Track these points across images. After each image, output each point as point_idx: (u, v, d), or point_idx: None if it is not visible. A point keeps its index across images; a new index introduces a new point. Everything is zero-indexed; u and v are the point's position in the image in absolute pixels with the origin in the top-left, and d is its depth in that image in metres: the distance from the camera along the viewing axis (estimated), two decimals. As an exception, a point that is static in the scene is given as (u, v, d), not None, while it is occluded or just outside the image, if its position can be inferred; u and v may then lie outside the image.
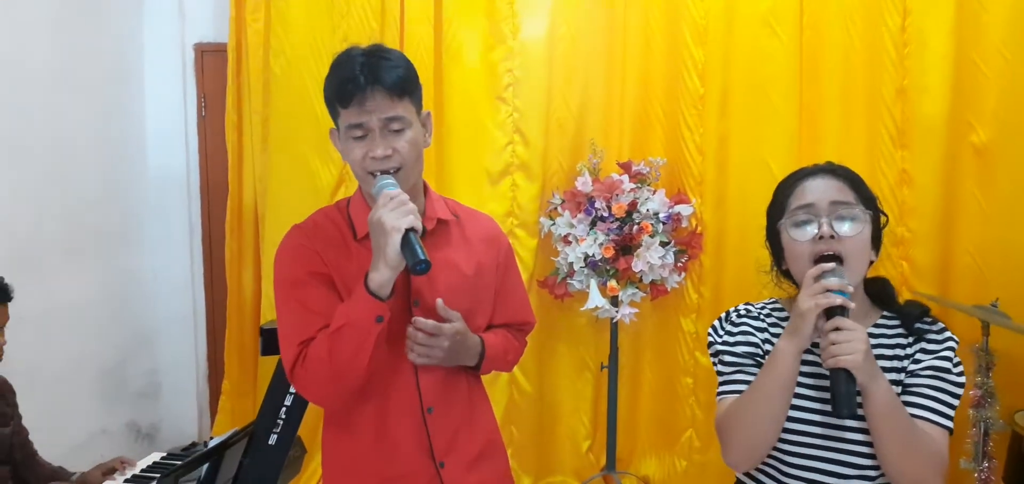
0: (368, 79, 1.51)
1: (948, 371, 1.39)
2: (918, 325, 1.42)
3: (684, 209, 3.24)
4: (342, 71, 1.54)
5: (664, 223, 3.20)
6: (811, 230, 1.40)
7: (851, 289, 1.33)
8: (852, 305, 1.32)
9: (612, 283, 3.20)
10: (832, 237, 1.37)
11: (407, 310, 1.60)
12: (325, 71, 3.45)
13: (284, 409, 1.98)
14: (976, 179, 3.08)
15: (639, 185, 3.23)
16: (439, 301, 1.59)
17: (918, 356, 1.41)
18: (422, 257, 1.40)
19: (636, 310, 3.23)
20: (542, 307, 3.43)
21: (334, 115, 1.60)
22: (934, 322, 1.44)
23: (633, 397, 3.52)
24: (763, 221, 3.09)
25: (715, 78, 3.29)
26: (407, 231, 1.42)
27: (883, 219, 1.48)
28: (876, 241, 1.45)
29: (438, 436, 1.62)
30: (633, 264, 3.15)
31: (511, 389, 3.48)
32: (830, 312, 1.32)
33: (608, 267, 3.21)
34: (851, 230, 1.38)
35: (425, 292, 1.62)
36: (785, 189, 1.49)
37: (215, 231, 3.88)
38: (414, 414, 1.60)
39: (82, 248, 3.45)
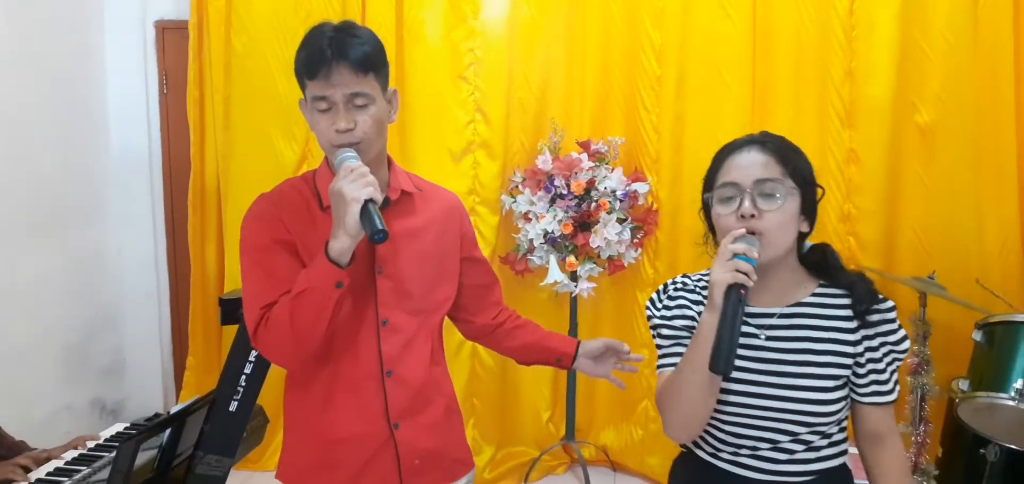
0: (335, 54, 1.55)
1: (900, 344, 1.45)
2: (869, 315, 1.44)
3: (640, 187, 3.33)
4: (311, 44, 1.58)
5: (621, 200, 3.28)
6: (735, 206, 1.42)
7: (756, 255, 1.36)
8: (751, 282, 1.35)
9: (571, 259, 3.28)
10: (753, 215, 1.39)
11: (371, 277, 1.66)
12: (287, 49, 3.50)
13: (244, 376, 2.03)
14: (920, 158, 3.19)
15: (597, 163, 3.31)
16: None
17: (876, 342, 1.44)
18: (380, 227, 1.45)
19: (594, 285, 3.31)
20: (504, 283, 3.43)
21: (302, 86, 1.64)
22: (882, 300, 1.45)
23: (592, 370, 3.60)
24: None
25: (672, 60, 3.37)
26: (366, 202, 1.47)
27: (819, 191, 1.49)
28: (809, 212, 1.46)
29: (395, 399, 1.67)
30: (591, 240, 3.23)
31: (473, 361, 3.56)
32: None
33: (567, 243, 3.28)
34: (772, 205, 1.40)
35: (389, 260, 1.67)
36: (716, 162, 1.51)
37: (178, 208, 3.89)
38: (374, 377, 1.66)
39: (45, 225, 3.45)
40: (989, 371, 2.47)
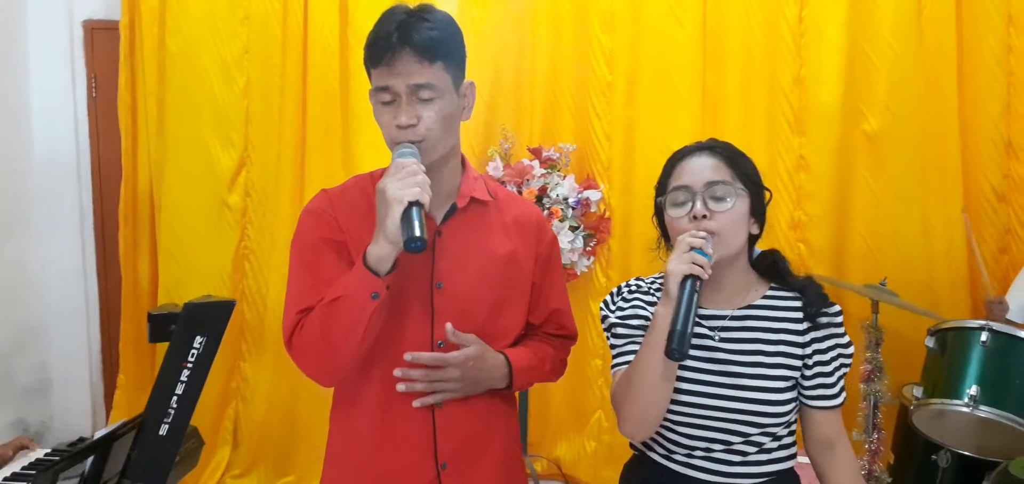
0: (400, 38, 1.40)
1: (847, 349, 1.49)
2: (818, 317, 1.47)
3: (593, 194, 3.28)
4: (379, 27, 1.44)
5: (574, 208, 3.22)
6: (687, 209, 1.44)
7: (711, 250, 1.39)
8: (706, 274, 1.36)
9: (522, 268, 3.20)
10: (705, 216, 1.42)
11: (428, 291, 1.49)
12: (224, 50, 3.31)
13: (175, 397, 1.89)
14: (868, 165, 3.22)
15: (549, 171, 3.24)
16: (449, 326, 1.47)
17: (824, 344, 1.47)
18: (418, 234, 1.30)
19: (546, 294, 3.24)
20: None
21: (369, 75, 1.49)
22: (829, 304, 1.49)
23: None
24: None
25: (622, 65, 3.33)
26: (410, 204, 1.32)
27: (767, 194, 1.52)
28: (759, 214, 1.50)
29: (446, 435, 1.50)
30: (543, 248, 3.16)
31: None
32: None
33: (518, 252, 3.20)
34: (723, 207, 1.43)
35: (450, 274, 1.50)
36: (667, 168, 1.53)
37: (108, 218, 3.69)
38: (422, 407, 1.49)
39: (-40, 236, 3.23)
40: (941, 377, 2.47)
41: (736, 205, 1.44)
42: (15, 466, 2.27)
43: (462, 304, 1.50)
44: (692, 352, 1.43)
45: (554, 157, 3.28)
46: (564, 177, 3.25)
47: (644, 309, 1.53)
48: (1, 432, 3.47)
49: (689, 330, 1.33)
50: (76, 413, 3.80)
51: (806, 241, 3.25)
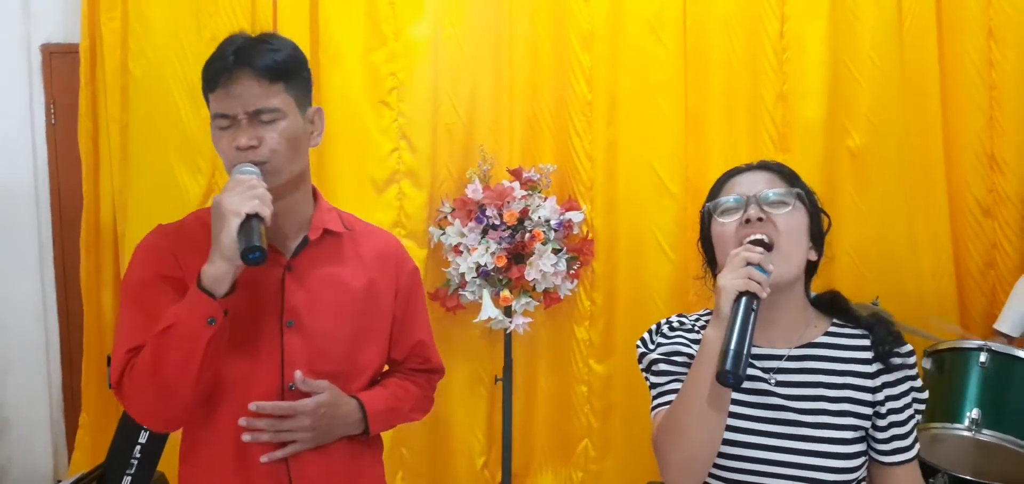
0: (237, 61, 1.33)
1: (922, 394, 1.34)
2: (891, 357, 1.31)
3: (575, 215, 3.19)
4: (217, 51, 1.37)
5: (556, 230, 3.13)
6: (738, 215, 1.30)
7: (772, 268, 1.23)
8: (764, 293, 1.20)
9: (505, 293, 3.10)
10: (760, 219, 1.27)
11: (277, 330, 1.40)
12: (191, 73, 3.17)
13: (139, 446, 1.76)
14: (853, 181, 3.17)
15: (530, 192, 3.15)
16: (298, 374, 1.37)
17: (898, 389, 1.31)
18: (257, 243, 1.22)
19: (530, 320, 3.15)
20: (434, 321, 3.25)
21: (207, 104, 1.41)
22: (902, 343, 1.33)
23: (528, 409, 3.43)
24: (652, 224, 3.05)
25: (603, 84, 3.25)
26: (248, 217, 1.24)
27: (825, 220, 1.39)
28: (817, 240, 1.35)
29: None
30: (526, 273, 3.07)
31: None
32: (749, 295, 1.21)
33: (501, 277, 3.11)
34: (782, 211, 1.28)
35: (303, 311, 1.42)
36: (716, 186, 1.40)
37: (69, 249, 3.53)
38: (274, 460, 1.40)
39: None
40: (941, 401, 2.41)
41: (794, 214, 1.29)
42: None
43: (318, 342, 1.42)
44: (744, 397, 1.29)
45: (535, 178, 3.19)
46: (545, 199, 3.16)
47: (688, 346, 1.37)
48: (-44, 478, 3.30)
49: (746, 352, 1.15)
50: (37, 454, 3.62)
51: (792, 260, 3.19)
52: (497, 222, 3.09)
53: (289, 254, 1.46)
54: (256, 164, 1.35)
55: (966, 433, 2.29)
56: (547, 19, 3.27)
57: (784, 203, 1.29)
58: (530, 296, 3.15)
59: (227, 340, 1.33)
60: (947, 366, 2.45)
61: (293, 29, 3.18)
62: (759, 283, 1.19)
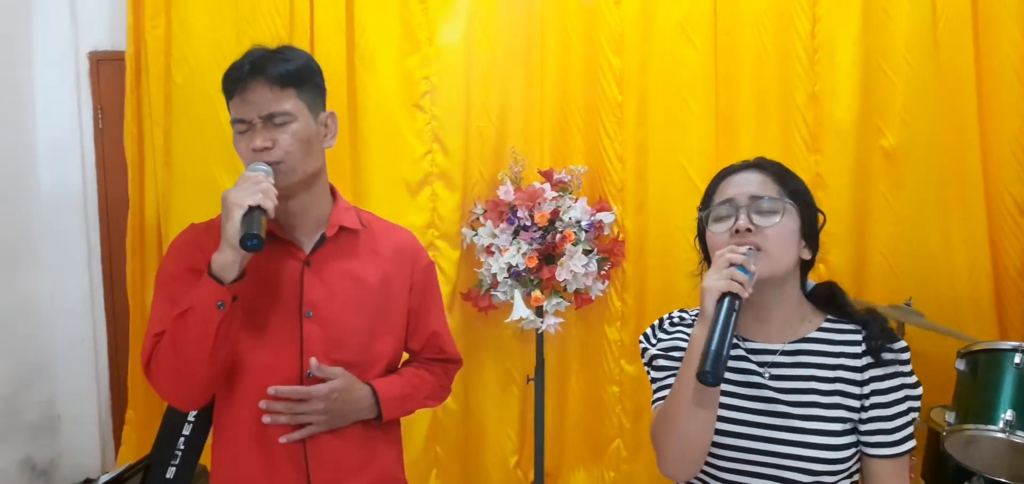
0: (252, 70, 1.45)
1: (915, 390, 1.36)
2: (882, 352, 1.34)
3: (606, 216, 3.22)
4: (236, 62, 1.48)
5: (586, 231, 3.16)
6: (729, 223, 1.36)
7: (755, 269, 1.28)
8: (746, 293, 1.26)
9: (536, 293, 3.14)
10: (748, 230, 1.33)
11: (296, 320, 1.50)
12: (230, 80, 3.13)
13: (182, 438, 1.83)
14: (886, 181, 3.15)
15: (561, 193, 3.19)
16: (313, 361, 1.48)
17: (886, 383, 1.34)
18: (255, 232, 1.31)
19: (561, 320, 3.18)
20: (466, 321, 3.35)
21: (229, 112, 1.52)
22: (895, 339, 1.37)
23: (560, 409, 3.46)
24: (683, 225, 3.07)
25: (633, 85, 3.28)
26: (251, 208, 1.34)
27: (820, 217, 1.44)
28: (810, 237, 1.40)
29: (318, 469, 1.50)
30: (557, 273, 3.10)
31: (435, 408, 3.37)
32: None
33: (532, 277, 3.15)
34: (769, 221, 1.33)
35: (321, 303, 1.51)
36: (712, 186, 1.46)
37: (116, 250, 3.64)
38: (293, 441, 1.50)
39: (-35, 272, 3.19)
40: (974, 402, 2.38)
41: (784, 221, 1.34)
42: None
43: (334, 333, 1.52)
44: (739, 390, 1.35)
45: (566, 179, 3.22)
46: (576, 200, 3.19)
47: (686, 341, 1.42)
48: (9, 471, 3.42)
49: (725, 352, 1.22)
50: (85, 450, 3.74)
51: (825, 261, 3.17)
52: (528, 223, 3.13)
53: (308, 250, 1.56)
54: (271, 164, 1.46)
55: (1001, 435, 2.26)
56: (577, 22, 3.31)
57: (773, 212, 1.34)
58: (561, 296, 3.18)
59: (244, 325, 1.45)
60: (981, 367, 2.42)
61: (329, 35, 3.26)
62: (741, 283, 1.25)
